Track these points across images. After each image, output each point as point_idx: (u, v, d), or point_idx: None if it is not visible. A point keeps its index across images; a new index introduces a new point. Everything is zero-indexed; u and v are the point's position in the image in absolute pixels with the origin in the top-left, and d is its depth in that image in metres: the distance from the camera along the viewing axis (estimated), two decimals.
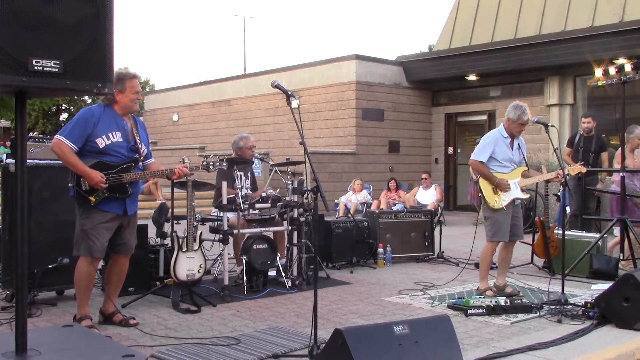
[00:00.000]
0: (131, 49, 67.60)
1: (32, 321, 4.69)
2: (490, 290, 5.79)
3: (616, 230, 8.02)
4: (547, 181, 6.83)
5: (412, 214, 8.33)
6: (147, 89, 35.04)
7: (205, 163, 5.09)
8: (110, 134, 4.49)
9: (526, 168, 5.90)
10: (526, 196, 5.87)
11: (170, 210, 6.11)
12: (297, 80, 16.84)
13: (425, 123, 17.15)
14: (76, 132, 4.41)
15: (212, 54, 70.64)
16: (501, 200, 5.66)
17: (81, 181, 4.40)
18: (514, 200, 5.73)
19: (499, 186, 5.66)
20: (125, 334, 4.50)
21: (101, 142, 4.45)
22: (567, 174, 5.95)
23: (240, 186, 6.70)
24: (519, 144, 5.88)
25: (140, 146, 4.67)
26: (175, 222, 5.82)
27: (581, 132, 9.46)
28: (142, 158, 4.68)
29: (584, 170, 6.41)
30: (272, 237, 6.38)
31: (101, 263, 5.16)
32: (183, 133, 21.74)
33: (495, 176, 5.69)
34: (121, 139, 4.55)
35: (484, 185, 5.73)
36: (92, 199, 4.41)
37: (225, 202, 5.79)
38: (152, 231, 6.19)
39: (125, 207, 4.58)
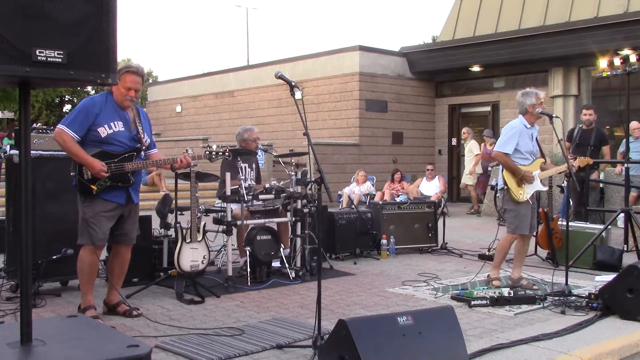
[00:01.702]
0: (134, 40, 67.58)
1: (36, 312, 4.70)
2: (498, 280, 5.80)
3: (620, 222, 8.01)
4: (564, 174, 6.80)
5: (415, 205, 8.33)
6: (150, 81, 35.00)
7: (207, 153, 5.07)
8: (112, 124, 4.49)
9: (543, 160, 5.87)
10: (546, 188, 5.81)
11: (173, 201, 6.12)
12: (301, 71, 16.80)
13: (428, 114, 17.12)
14: (78, 121, 4.41)
15: (215, 46, 70.54)
16: (525, 193, 5.63)
17: (83, 170, 4.41)
18: (534, 193, 5.71)
19: (525, 178, 5.60)
20: (130, 324, 4.52)
21: (103, 131, 4.45)
22: (572, 166, 5.91)
23: (244, 177, 6.69)
24: (533, 134, 5.81)
25: (142, 136, 4.66)
26: (179, 213, 5.83)
27: (580, 125, 9.21)
28: (144, 148, 4.68)
29: (590, 161, 6.38)
30: (276, 228, 6.39)
31: (105, 254, 5.17)
32: (186, 124, 21.74)
33: (520, 168, 5.63)
34: (123, 129, 4.55)
35: (508, 178, 5.64)
36: (94, 187, 4.41)
37: (228, 193, 5.79)
38: (155, 222, 6.20)
39: (127, 196, 4.59)
